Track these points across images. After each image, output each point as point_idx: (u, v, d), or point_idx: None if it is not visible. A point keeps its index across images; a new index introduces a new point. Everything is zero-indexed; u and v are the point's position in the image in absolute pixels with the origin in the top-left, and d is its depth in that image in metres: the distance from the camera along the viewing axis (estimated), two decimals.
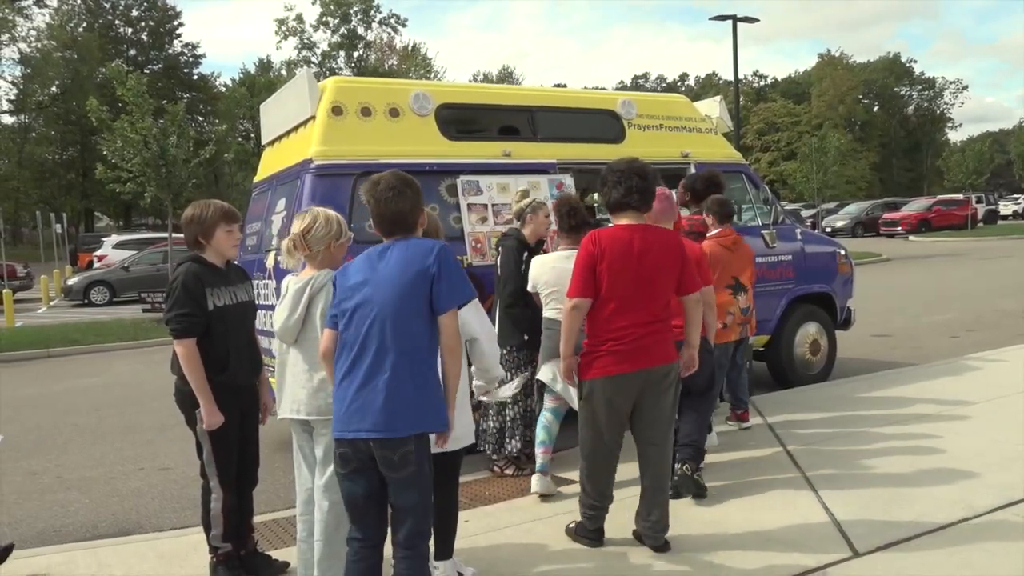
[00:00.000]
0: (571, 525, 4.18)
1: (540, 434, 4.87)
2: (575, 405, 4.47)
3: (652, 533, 3.96)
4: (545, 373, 4.76)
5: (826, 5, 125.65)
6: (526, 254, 5.16)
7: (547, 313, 4.86)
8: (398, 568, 3.05)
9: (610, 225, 4.00)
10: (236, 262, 4.05)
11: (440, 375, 3.06)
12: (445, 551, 3.59)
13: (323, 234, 3.46)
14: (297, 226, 3.50)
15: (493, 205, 6.04)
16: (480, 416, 5.18)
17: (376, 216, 3.10)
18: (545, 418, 4.89)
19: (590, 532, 4.07)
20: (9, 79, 50.56)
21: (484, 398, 4.42)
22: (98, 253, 27.23)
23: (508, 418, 5.21)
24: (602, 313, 3.82)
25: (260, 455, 4.01)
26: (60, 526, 5.20)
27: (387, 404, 2.90)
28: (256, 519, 4.17)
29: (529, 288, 4.99)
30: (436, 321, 3.00)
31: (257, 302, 4.29)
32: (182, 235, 3.88)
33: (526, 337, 5.11)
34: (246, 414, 3.85)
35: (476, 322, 3.55)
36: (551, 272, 4.76)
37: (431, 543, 3.36)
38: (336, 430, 3.01)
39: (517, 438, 5.20)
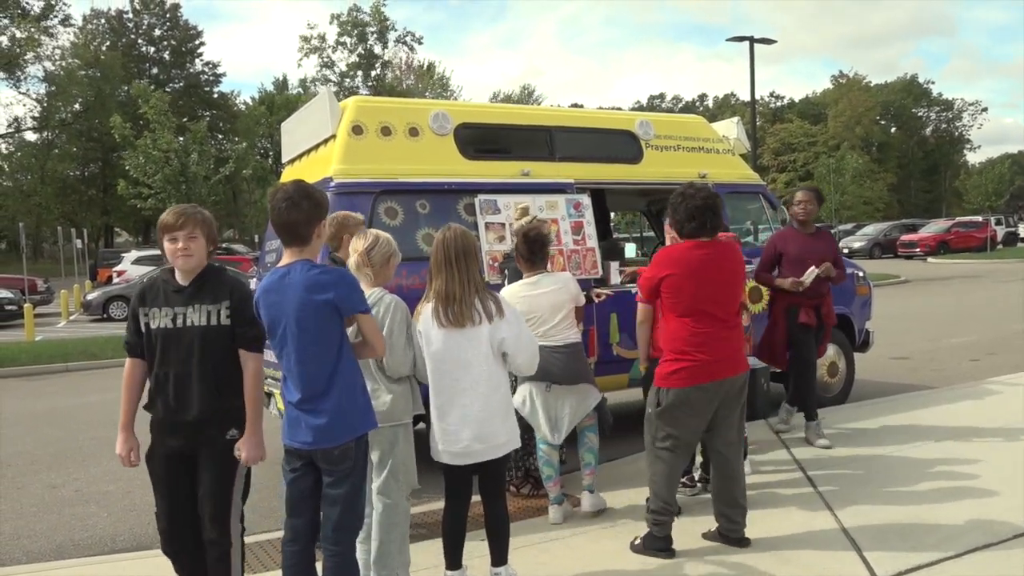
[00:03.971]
0: (636, 541, 4.18)
1: (545, 470, 4.77)
2: (542, 432, 4.64)
3: (732, 527, 4.19)
4: (515, 397, 4.61)
5: (841, 24, 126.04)
6: None
7: None
8: (325, 565, 3.14)
9: (681, 243, 4.21)
10: (253, 275, 3.89)
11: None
12: (502, 557, 3.72)
13: (384, 251, 3.72)
14: (360, 244, 3.72)
15: (511, 224, 6.06)
16: None
17: (273, 225, 3.12)
18: (543, 451, 4.76)
19: (660, 541, 4.09)
20: (34, 97, 51.50)
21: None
22: (117, 268, 27.38)
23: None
24: (685, 324, 4.04)
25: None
26: (79, 540, 5.23)
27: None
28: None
29: None
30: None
31: None
32: None
33: None
34: (192, 459, 3.23)
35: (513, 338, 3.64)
36: (522, 302, 4.57)
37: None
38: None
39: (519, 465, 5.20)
